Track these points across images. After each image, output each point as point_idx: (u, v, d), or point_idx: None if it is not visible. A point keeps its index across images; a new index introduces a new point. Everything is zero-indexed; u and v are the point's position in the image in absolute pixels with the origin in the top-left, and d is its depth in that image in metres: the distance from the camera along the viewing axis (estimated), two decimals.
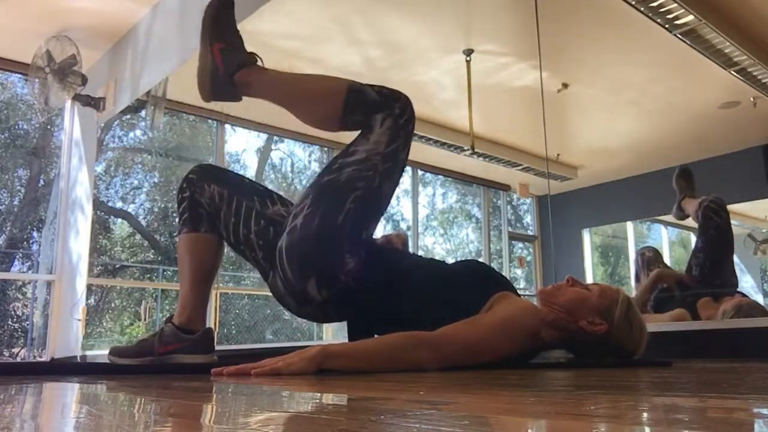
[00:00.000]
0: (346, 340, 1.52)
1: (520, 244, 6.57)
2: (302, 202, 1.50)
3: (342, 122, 1.53)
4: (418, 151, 5.08)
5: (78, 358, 3.79)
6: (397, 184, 1.54)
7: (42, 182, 7.73)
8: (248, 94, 1.59)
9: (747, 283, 4.24)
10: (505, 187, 6.13)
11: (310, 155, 7.95)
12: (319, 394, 0.83)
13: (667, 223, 4.91)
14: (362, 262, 1.48)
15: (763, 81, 3.53)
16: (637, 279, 3.13)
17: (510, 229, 6.26)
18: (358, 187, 1.46)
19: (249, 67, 1.56)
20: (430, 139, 4.68)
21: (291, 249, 1.47)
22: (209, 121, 5.50)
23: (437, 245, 8.12)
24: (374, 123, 1.49)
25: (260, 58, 1.59)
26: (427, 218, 7.82)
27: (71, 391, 0.99)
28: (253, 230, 1.56)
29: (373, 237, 1.64)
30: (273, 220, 1.55)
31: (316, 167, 7.70)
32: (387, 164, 1.48)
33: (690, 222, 3.25)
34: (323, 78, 1.63)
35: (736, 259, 4.02)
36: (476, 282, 1.50)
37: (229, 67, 1.55)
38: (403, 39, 3.74)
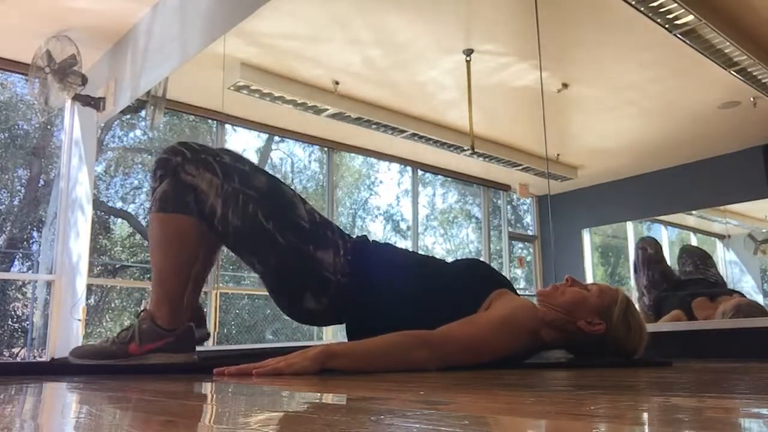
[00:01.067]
0: (345, 340, 1.53)
1: (520, 244, 6.56)
2: (248, 261, 1.53)
3: (204, 220, 1.49)
4: (418, 151, 5.08)
5: None
6: (259, 170, 1.55)
7: (42, 182, 7.73)
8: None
9: (747, 283, 4.23)
10: (505, 187, 6.12)
11: (310, 155, 7.95)
12: (319, 394, 0.83)
13: (667, 223, 4.90)
14: (343, 253, 1.49)
15: (763, 81, 3.52)
16: (635, 271, 3.12)
17: (510, 229, 6.26)
18: (251, 212, 1.46)
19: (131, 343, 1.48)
20: (430, 139, 4.68)
21: (276, 291, 1.53)
22: (209, 121, 5.50)
23: (437, 245, 8.11)
24: (191, 184, 1.47)
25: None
26: (427, 218, 7.81)
27: (71, 391, 0.99)
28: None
29: (367, 237, 1.65)
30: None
31: (316, 167, 7.69)
32: (234, 177, 1.48)
33: (691, 222, 3.25)
34: (152, 243, 1.55)
35: (735, 258, 4.03)
36: (475, 280, 1.50)
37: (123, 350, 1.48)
38: (403, 39, 3.74)
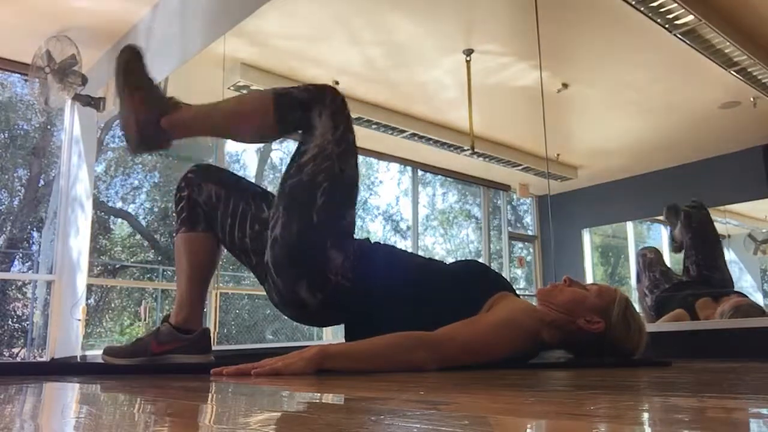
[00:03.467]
0: (344, 341, 1.53)
1: (520, 244, 6.56)
2: (275, 213, 1.51)
3: (279, 128, 1.56)
4: (418, 151, 5.08)
5: (78, 358, 3.80)
6: (356, 165, 1.56)
7: (42, 182, 7.73)
8: (178, 135, 1.58)
9: (747, 283, 4.23)
10: (505, 187, 6.13)
11: None
12: (319, 394, 0.83)
13: (667, 223, 4.91)
14: (351, 259, 1.48)
15: (763, 81, 3.53)
16: (638, 280, 3.14)
17: (510, 229, 6.26)
18: (321, 180, 1.48)
19: (173, 109, 1.56)
20: (430, 139, 4.68)
21: (277, 260, 1.48)
22: None
23: (437, 245, 8.13)
24: (313, 120, 1.52)
25: (180, 101, 1.58)
26: (427, 218, 7.82)
27: (71, 391, 0.99)
28: (247, 234, 1.56)
29: (369, 239, 1.64)
30: (268, 224, 1.55)
31: None
32: (341, 148, 1.50)
33: None
34: (245, 96, 1.69)
35: (736, 258, 4.02)
36: (475, 282, 1.50)
37: (153, 114, 1.54)
38: (403, 39, 3.74)
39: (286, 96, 1.53)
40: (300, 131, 1.55)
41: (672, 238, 3.26)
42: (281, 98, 1.53)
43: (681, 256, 3.10)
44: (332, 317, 1.59)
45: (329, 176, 1.48)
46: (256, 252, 1.55)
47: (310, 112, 1.52)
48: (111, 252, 8.12)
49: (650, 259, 3.12)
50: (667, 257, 3.31)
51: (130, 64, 1.57)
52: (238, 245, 1.59)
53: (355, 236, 1.60)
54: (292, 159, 1.55)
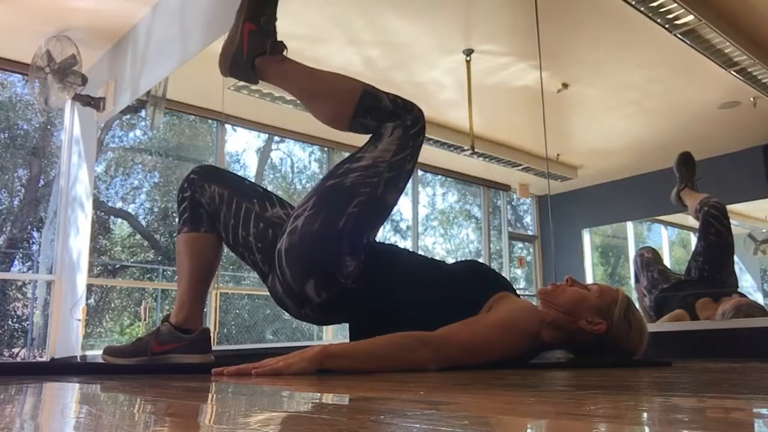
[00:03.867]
0: (347, 340, 1.52)
1: (520, 244, 6.56)
2: (305, 203, 1.50)
3: (351, 123, 1.55)
4: None
5: (78, 358, 3.79)
6: (400, 193, 1.55)
7: (42, 182, 7.73)
8: (265, 79, 1.62)
9: (747, 282, 4.23)
10: (505, 187, 6.13)
11: (310, 155, 7.96)
12: (319, 394, 0.83)
13: (667, 223, 4.90)
14: (362, 266, 1.48)
15: (763, 81, 3.53)
16: (637, 280, 3.13)
17: (510, 229, 6.26)
18: (361, 192, 1.47)
19: (272, 55, 1.59)
20: (430, 139, 4.67)
21: (291, 249, 1.47)
22: (209, 121, 5.51)
23: (437, 245, 8.12)
24: (384, 131, 1.51)
25: (286, 48, 1.62)
26: (427, 218, 7.81)
27: (71, 391, 0.99)
28: (251, 232, 1.56)
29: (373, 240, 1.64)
30: (272, 222, 1.55)
31: (315, 167, 7.70)
32: (392, 173, 1.49)
33: (690, 222, 3.24)
34: (340, 77, 1.64)
35: (735, 258, 4.02)
36: (476, 282, 1.50)
37: (252, 51, 1.57)
38: (403, 39, 3.74)
39: (373, 98, 1.54)
40: (369, 135, 1.54)
41: (678, 197, 3.12)
42: (367, 97, 1.53)
43: (683, 256, 3.08)
44: (331, 316, 1.59)
45: (370, 193, 1.48)
46: (261, 250, 1.54)
47: (385, 123, 1.51)
48: (111, 252, 8.11)
49: (648, 258, 3.11)
50: (667, 258, 3.30)
51: None
52: (242, 244, 1.58)
53: None
54: (346, 159, 1.54)
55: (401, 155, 1.49)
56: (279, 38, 1.65)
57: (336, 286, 1.46)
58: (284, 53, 1.62)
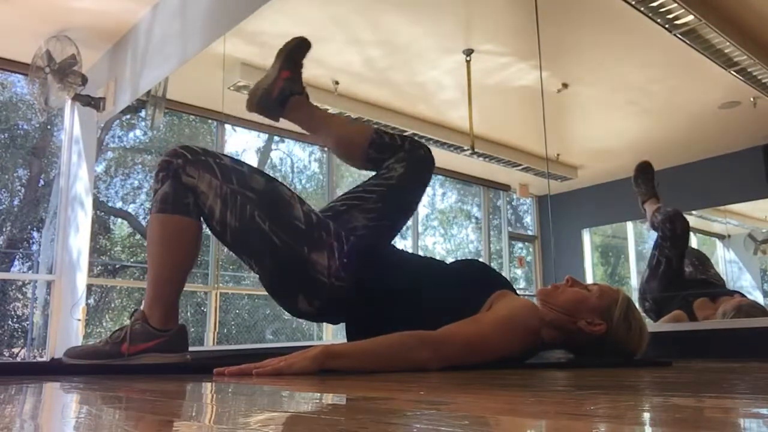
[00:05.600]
0: (345, 340, 1.53)
1: (520, 244, 6.56)
2: (246, 261, 1.58)
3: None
4: None
5: None
6: (257, 171, 1.60)
7: (42, 182, 7.73)
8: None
9: (747, 283, 4.23)
10: (505, 187, 6.12)
11: (310, 155, 7.95)
12: (319, 394, 0.83)
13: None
14: (337, 259, 1.48)
15: (763, 81, 3.52)
16: (658, 248, 3.06)
17: (510, 229, 6.25)
18: (249, 213, 1.50)
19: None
20: (430, 139, 4.67)
21: (273, 290, 1.55)
22: (209, 121, 5.51)
23: (437, 245, 8.11)
24: (191, 185, 1.49)
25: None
26: (427, 218, 7.81)
27: (71, 391, 0.99)
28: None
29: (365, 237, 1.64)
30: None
31: (315, 167, 7.70)
32: (231, 178, 1.52)
33: (690, 222, 3.24)
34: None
35: (735, 258, 4.02)
36: (476, 281, 1.50)
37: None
38: (403, 39, 3.74)
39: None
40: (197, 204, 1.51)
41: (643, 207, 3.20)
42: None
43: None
44: (335, 317, 1.60)
45: (250, 205, 1.49)
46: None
47: (182, 183, 1.49)
48: (111, 252, 8.12)
49: (679, 233, 3.09)
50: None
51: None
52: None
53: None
54: (210, 227, 1.54)
55: (215, 168, 1.51)
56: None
57: (322, 289, 1.46)
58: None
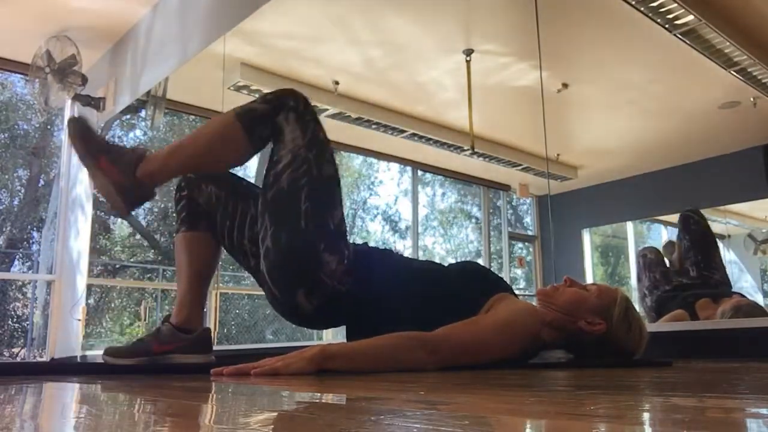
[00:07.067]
0: (344, 341, 1.53)
1: (520, 244, 6.56)
2: (263, 225, 1.51)
3: (251, 143, 1.54)
4: (418, 150, 5.08)
5: (78, 358, 3.80)
6: (333, 162, 1.55)
7: (42, 182, 7.73)
8: (159, 180, 1.54)
9: (747, 283, 4.23)
10: (505, 187, 6.12)
11: None
12: (318, 394, 0.83)
13: (667, 223, 4.90)
14: (346, 264, 1.48)
15: (763, 81, 3.52)
16: (639, 280, 3.14)
17: (510, 229, 6.25)
18: (302, 184, 1.48)
19: (143, 159, 1.51)
20: (430, 139, 4.67)
21: (272, 271, 1.49)
22: None
23: (437, 245, 8.11)
24: (281, 127, 1.51)
25: (145, 149, 1.56)
26: (426, 218, 7.81)
27: (71, 391, 0.99)
28: (246, 236, 1.56)
29: (367, 243, 1.65)
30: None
31: None
32: (314, 150, 1.50)
33: None
34: (209, 122, 1.64)
35: (735, 258, 4.02)
36: (475, 283, 1.50)
37: (127, 171, 1.49)
38: (403, 39, 3.74)
39: (249, 112, 1.53)
40: (272, 141, 1.55)
41: (671, 244, 3.27)
42: (245, 115, 1.52)
43: (675, 257, 3.12)
44: (330, 321, 1.60)
45: (308, 180, 1.48)
46: (255, 255, 1.55)
47: (276, 120, 1.52)
48: (111, 252, 8.12)
49: (650, 259, 3.13)
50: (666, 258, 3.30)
51: (83, 133, 1.53)
52: (237, 246, 1.59)
53: (356, 238, 1.61)
54: (267, 169, 1.54)
55: (309, 133, 1.51)
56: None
57: (324, 289, 1.47)
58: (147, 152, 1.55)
